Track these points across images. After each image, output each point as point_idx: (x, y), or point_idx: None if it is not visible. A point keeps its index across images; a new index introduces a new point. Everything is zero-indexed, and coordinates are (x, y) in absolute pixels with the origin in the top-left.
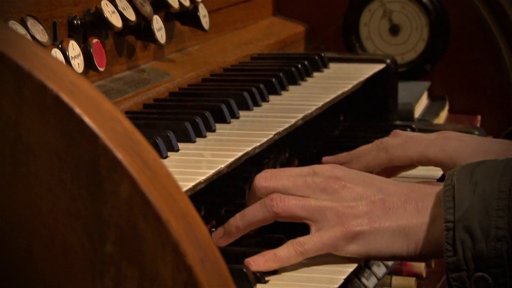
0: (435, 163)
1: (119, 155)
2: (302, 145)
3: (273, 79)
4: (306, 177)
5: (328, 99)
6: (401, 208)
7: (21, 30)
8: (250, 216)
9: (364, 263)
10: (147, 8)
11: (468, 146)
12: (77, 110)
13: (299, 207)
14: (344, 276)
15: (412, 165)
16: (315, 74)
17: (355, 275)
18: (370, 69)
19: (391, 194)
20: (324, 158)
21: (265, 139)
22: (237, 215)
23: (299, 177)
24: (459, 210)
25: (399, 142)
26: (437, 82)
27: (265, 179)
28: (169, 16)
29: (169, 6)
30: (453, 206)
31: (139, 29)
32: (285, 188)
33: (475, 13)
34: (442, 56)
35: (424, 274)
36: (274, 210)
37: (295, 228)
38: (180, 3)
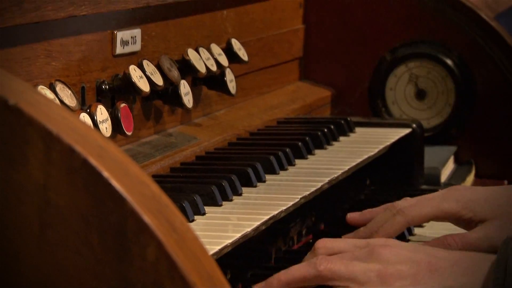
0: (452, 215)
1: (146, 218)
2: (328, 209)
3: (299, 143)
4: (354, 252)
5: (354, 163)
6: (448, 270)
7: (50, 95)
8: (294, 270)
9: None
10: (174, 73)
11: (482, 193)
12: (105, 173)
13: (343, 267)
14: None
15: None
16: (341, 138)
17: None
18: (396, 134)
19: (439, 257)
20: (344, 236)
21: (291, 203)
22: (282, 271)
23: (350, 254)
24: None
25: (411, 203)
26: (463, 146)
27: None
28: (196, 81)
29: (196, 71)
30: (504, 277)
31: (167, 94)
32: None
33: (501, 77)
34: (469, 121)
35: None
36: (318, 268)
37: None
38: (207, 68)
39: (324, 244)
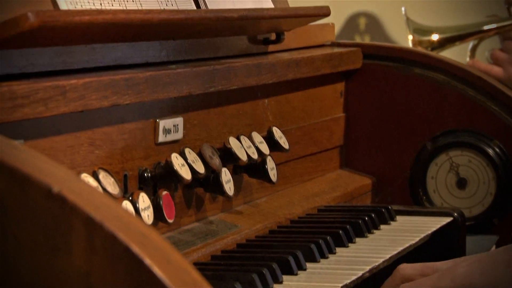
0: None
1: None
2: None
3: (340, 231)
4: None
5: (395, 252)
6: None
7: (93, 182)
8: None
9: None
10: (216, 161)
11: (477, 266)
12: (147, 261)
13: None
14: None
15: None
16: (382, 226)
17: None
18: (438, 222)
19: None
20: None
21: None
22: None
23: None
24: None
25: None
26: (505, 236)
27: None
28: (237, 169)
29: (237, 159)
30: None
31: (208, 181)
32: None
33: None
34: (510, 210)
35: None
36: None
37: None
38: (249, 156)
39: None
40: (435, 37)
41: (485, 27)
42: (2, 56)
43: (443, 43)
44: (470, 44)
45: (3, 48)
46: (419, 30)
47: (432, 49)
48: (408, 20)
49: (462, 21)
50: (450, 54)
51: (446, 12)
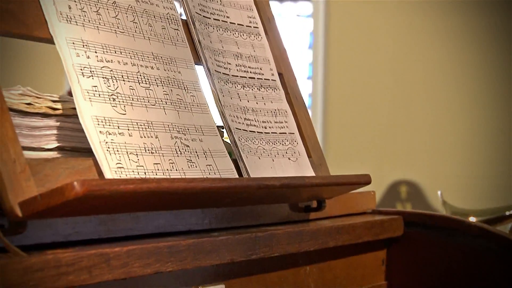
0: None
1: None
2: None
3: None
4: None
5: None
6: None
7: None
8: None
9: None
10: None
11: None
12: None
13: None
14: None
15: None
16: None
17: None
18: None
19: None
20: None
21: None
22: None
23: None
24: None
25: None
26: None
27: None
28: None
29: None
30: None
31: None
32: None
33: None
34: None
35: None
36: None
37: None
38: None
39: None
40: (472, 220)
41: None
42: (48, 225)
43: None
44: (509, 225)
45: (49, 217)
46: (457, 214)
47: None
48: (444, 203)
49: (500, 202)
50: None
51: (483, 194)
